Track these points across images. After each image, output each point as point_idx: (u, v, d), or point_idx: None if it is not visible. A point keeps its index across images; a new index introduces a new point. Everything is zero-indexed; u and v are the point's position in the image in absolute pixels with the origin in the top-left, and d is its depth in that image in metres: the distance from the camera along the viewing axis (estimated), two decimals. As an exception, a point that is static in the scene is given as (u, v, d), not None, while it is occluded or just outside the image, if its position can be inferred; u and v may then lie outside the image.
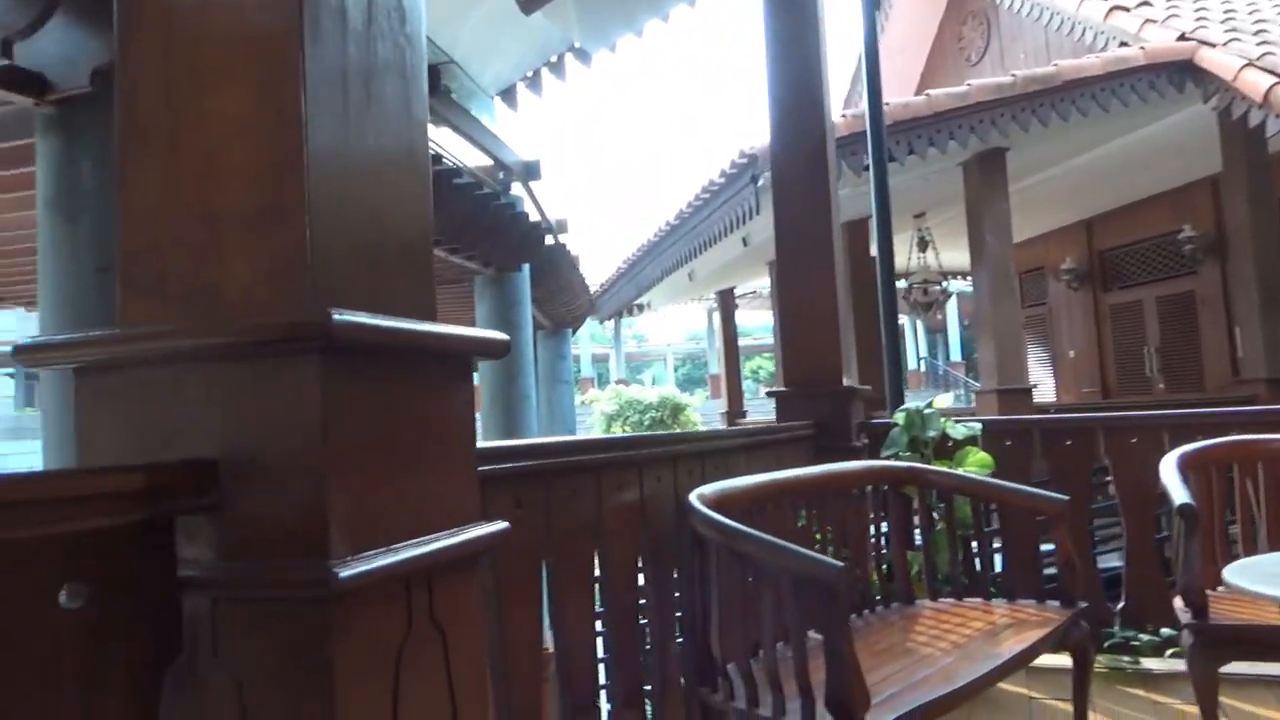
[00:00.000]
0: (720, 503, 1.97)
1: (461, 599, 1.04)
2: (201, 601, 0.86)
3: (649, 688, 1.96)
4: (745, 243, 8.81)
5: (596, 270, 11.91)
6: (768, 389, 3.90)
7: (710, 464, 2.34)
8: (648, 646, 2.00)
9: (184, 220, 0.92)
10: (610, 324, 26.60)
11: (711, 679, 1.91)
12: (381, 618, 0.91)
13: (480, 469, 1.10)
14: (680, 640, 2.10)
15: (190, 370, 0.88)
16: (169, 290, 0.91)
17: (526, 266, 5.59)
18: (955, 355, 30.12)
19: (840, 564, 1.64)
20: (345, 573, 0.82)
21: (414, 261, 1.04)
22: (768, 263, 10.31)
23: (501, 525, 1.11)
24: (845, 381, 3.62)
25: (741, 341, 15.47)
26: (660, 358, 36.52)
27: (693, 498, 1.95)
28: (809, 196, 3.66)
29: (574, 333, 11.55)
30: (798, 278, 3.68)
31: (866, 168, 6.39)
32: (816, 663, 1.72)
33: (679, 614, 2.10)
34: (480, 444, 1.15)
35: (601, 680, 1.83)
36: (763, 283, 15.10)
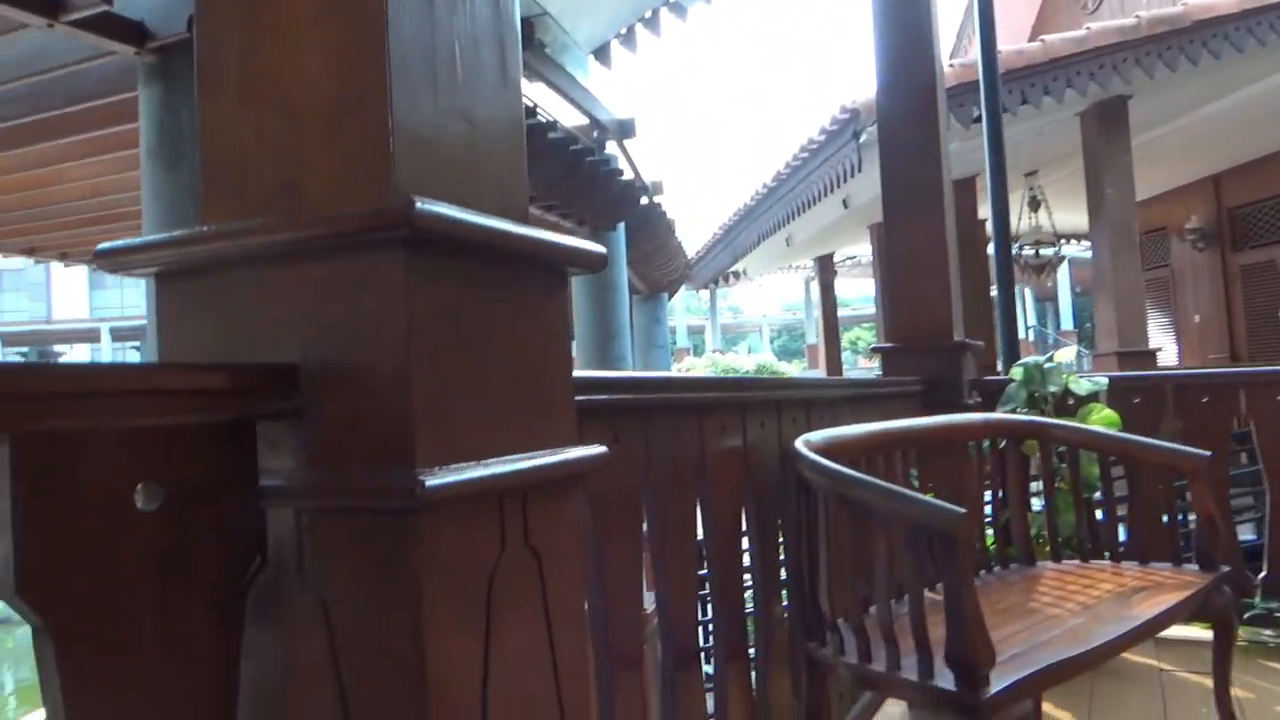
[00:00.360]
0: (828, 450, 1.87)
1: (558, 525, 0.97)
2: (285, 514, 0.81)
3: (752, 640, 1.88)
4: (845, 205, 8.55)
5: (691, 237, 11.76)
6: (873, 346, 3.73)
7: (815, 413, 2.22)
8: (751, 599, 1.91)
9: (263, 115, 0.87)
10: (705, 294, 26.45)
11: (819, 633, 1.82)
12: (473, 537, 0.84)
13: (576, 399, 1.03)
14: (785, 593, 2.00)
15: (271, 271, 0.83)
16: (249, 189, 0.86)
17: (622, 226, 5.52)
18: (1066, 324, 28.90)
19: (962, 510, 1.52)
20: (432, 482, 0.76)
21: (504, 160, 0.96)
22: (869, 226, 9.99)
23: (600, 449, 1.03)
24: (956, 336, 3.44)
25: (840, 313, 15.11)
26: (756, 329, 36.16)
27: (798, 444, 1.85)
28: (918, 142, 3.47)
29: (669, 298, 11.46)
30: (906, 228, 3.50)
31: (976, 119, 6.09)
32: (934, 618, 1.60)
33: (783, 565, 2.01)
34: (576, 373, 1.07)
35: (703, 632, 1.75)
36: (863, 249, 14.71)
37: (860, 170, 6.52)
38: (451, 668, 0.80)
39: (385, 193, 0.80)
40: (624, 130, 5.79)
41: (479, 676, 0.84)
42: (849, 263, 17.70)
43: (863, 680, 1.75)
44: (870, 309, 26.23)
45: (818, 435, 1.92)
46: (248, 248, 0.83)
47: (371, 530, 0.78)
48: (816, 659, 1.81)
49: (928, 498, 1.55)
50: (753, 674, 1.85)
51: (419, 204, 0.77)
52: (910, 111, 3.48)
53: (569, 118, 5.22)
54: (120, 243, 0.87)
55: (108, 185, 3.70)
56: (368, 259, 0.80)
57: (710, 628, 1.80)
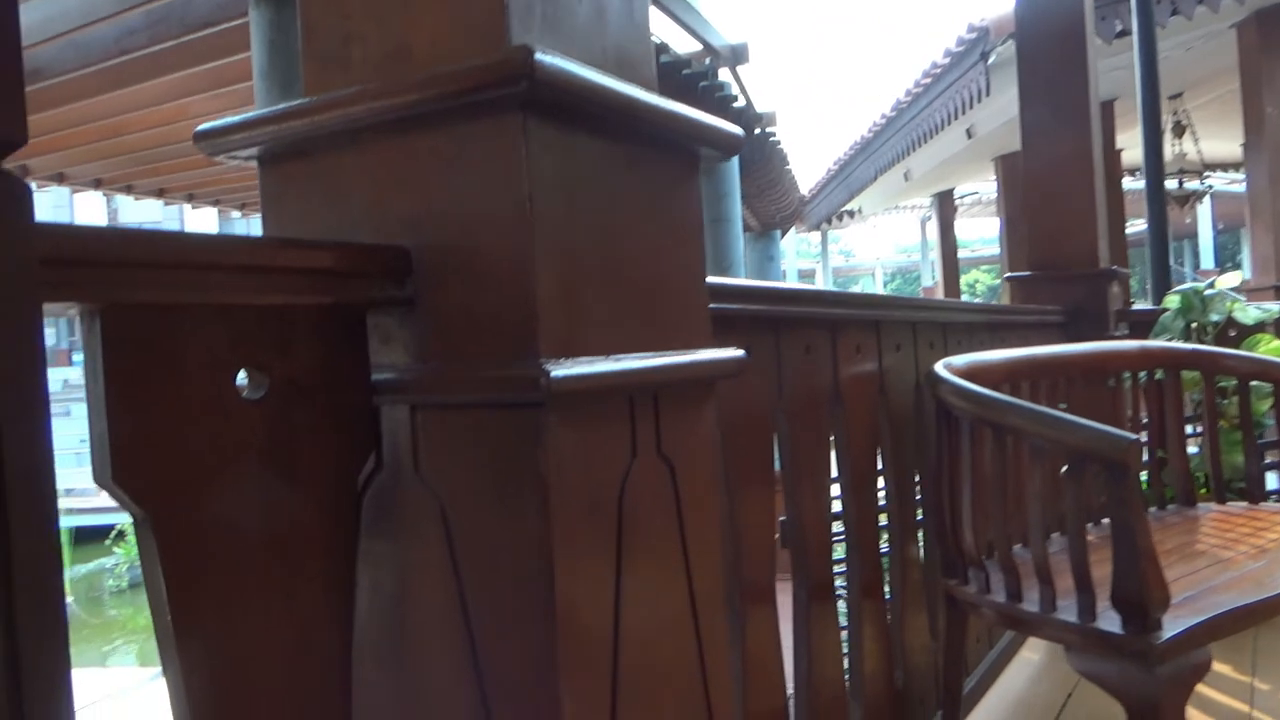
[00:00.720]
0: (970, 375, 1.71)
1: (692, 434, 0.87)
2: (399, 411, 0.74)
3: (888, 576, 1.76)
4: (969, 134, 8.10)
5: (803, 175, 11.41)
6: (1007, 275, 3.50)
7: (952, 338, 2.06)
8: (886, 532, 1.79)
9: (367, -27, 0.78)
10: (816, 237, 25.86)
11: (960, 571, 1.69)
12: (602, 440, 0.76)
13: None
14: (922, 529, 1.88)
15: (379, 144, 0.75)
16: (354, 56, 0.78)
17: (735, 157, 5.34)
18: (1207, 263, 27.07)
19: (1133, 436, 1.36)
20: (558, 372, 0.67)
21: (629, 30, 0.85)
22: (994, 159, 9.47)
23: (737, 353, 0.93)
24: (1102, 263, 3.18)
25: (958, 254, 14.46)
26: (868, 272, 35.20)
27: (938, 368, 1.70)
28: (1062, 51, 3.18)
29: (782, 235, 11.18)
30: (1047, 147, 3.23)
31: (1119, 34, 5.62)
32: (1096, 556, 1.46)
33: (919, 499, 1.88)
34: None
35: (837, 567, 1.64)
36: (985, 186, 14.02)
37: (988, 94, 6.13)
38: (580, 585, 0.72)
39: (501, 50, 0.70)
40: (737, 56, 5.56)
41: (610, 599, 0.76)
42: (969, 199, 16.93)
43: (1011, 621, 1.62)
44: (990, 250, 25.12)
45: (960, 359, 1.76)
46: (352, 118, 0.74)
47: (493, 428, 0.70)
48: (958, 598, 1.68)
49: (1092, 423, 1.39)
50: (888, 614, 1.73)
51: (539, 54, 0.67)
52: (1054, 18, 3.19)
53: (681, 43, 5.04)
54: (219, 122, 0.80)
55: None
56: (482, 125, 0.71)
57: (844, 565, 1.68)
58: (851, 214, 13.25)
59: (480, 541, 0.72)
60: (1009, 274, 3.45)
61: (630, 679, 0.77)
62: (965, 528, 1.63)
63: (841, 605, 1.74)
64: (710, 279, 0.95)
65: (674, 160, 0.88)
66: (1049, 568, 1.48)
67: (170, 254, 0.59)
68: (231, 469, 0.63)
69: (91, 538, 9.43)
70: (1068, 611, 1.45)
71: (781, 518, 1.45)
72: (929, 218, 19.77)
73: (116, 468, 0.57)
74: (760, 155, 6.32)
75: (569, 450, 0.71)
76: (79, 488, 11.44)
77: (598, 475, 0.75)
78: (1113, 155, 7.31)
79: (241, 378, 0.64)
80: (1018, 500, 1.65)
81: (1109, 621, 1.39)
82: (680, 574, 0.86)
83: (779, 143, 7.01)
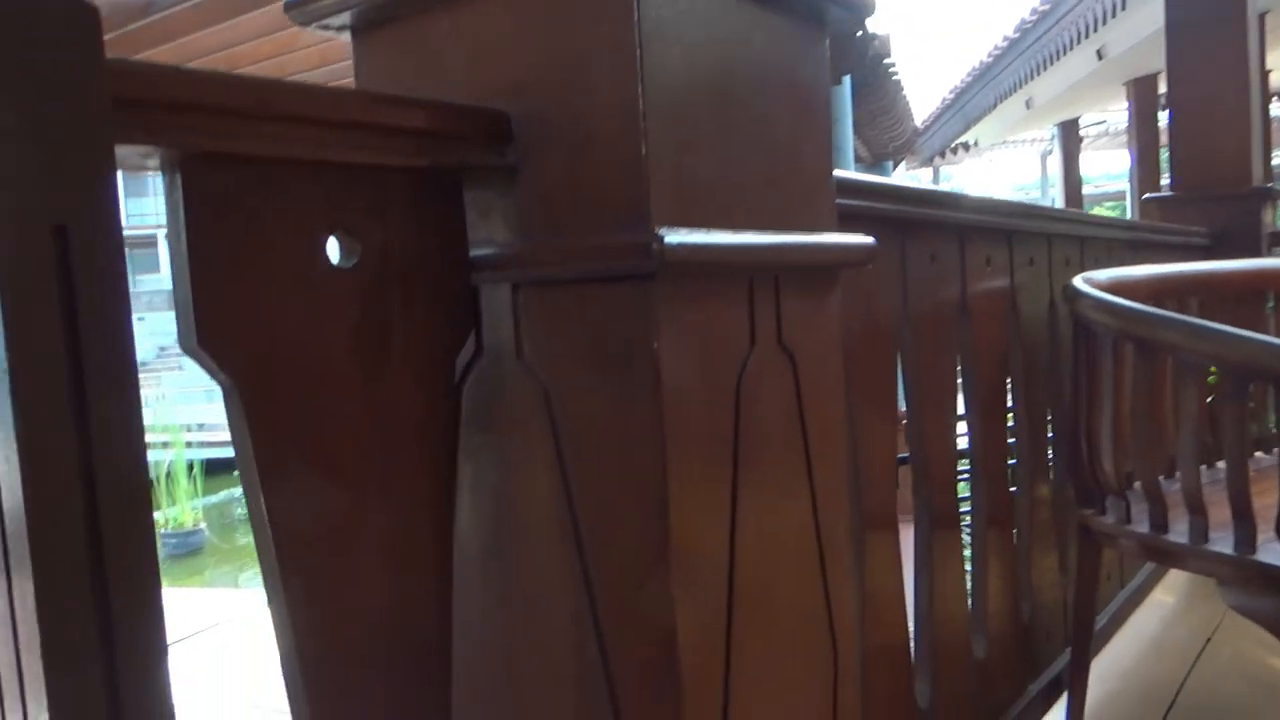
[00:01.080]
0: (1112, 291, 1.57)
1: (816, 325, 0.80)
2: (500, 292, 0.68)
3: (1016, 504, 1.65)
4: (1099, 55, 7.55)
5: (917, 108, 10.90)
6: (1145, 195, 3.24)
7: (1090, 255, 1.90)
8: (1014, 459, 1.68)
9: None
10: (927, 174, 24.93)
11: (1097, 500, 1.56)
12: (718, 321, 0.69)
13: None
14: (1052, 457, 1.75)
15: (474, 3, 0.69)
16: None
17: (847, 81, 5.09)
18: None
19: (1312, 350, 1.21)
20: (672, 239, 0.60)
21: None
22: (1125, 83, 8.83)
23: (866, 239, 0.84)
24: (1255, 181, 2.90)
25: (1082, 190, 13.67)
26: (982, 212, 33.77)
27: (1078, 281, 1.56)
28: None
29: (893, 168, 10.76)
30: (1196, 51, 2.95)
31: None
32: (1258, 486, 1.32)
33: (1050, 424, 1.75)
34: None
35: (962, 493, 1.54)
36: (1113, 116, 13.16)
37: (1123, 9, 5.68)
38: (694, 483, 0.66)
39: (607, -122, 0.62)
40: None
41: (726, 501, 0.70)
42: (1094, 130, 15.96)
43: (1155, 554, 1.49)
44: (1116, 186, 23.71)
45: (1102, 273, 1.61)
46: (446, -30, 0.68)
47: (601, 305, 0.64)
48: (1093, 529, 1.56)
49: (1262, 336, 1.25)
50: (1015, 546, 1.63)
51: (651, -125, 0.59)
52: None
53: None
54: (307, -11, 0.75)
55: (334, 51, 3.78)
56: (587, -33, 0.63)
57: (968, 495, 1.58)
58: (966, 146, 12.65)
59: (587, 432, 0.66)
60: (1148, 194, 3.19)
61: (747, 591, 0.71)
62: (1104, 455, 1.51)
63: (965, 538, 1.64)
64: (835, 172, 0.87)
65: (799, 21, 0.79)
66: (1201, 496, 1.35)
67: (253, 100, 0.54)
68: (323, 341, 0.59)
69: (222, 469, 9.97)
70: (1222, 543, 1.32)
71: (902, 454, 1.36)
72: (1050, 151, 18.73)
73: (201, 332, 0.53)
74: (873, 78, 6.03)
75: (683, 329, 0.64)
76: (210, 423, 12.08)
77: (714, 361, 0.68)
78: (1262, 75, 6.71)
79: (333, 245, 0.60)
80: (1162, 426, 1.52)
81: (1271, 553, 1.26)
82: (802, 479, 0.79)
83: (893, 65, 6.68)
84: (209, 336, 0.53)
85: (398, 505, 0.64)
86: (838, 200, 0.89)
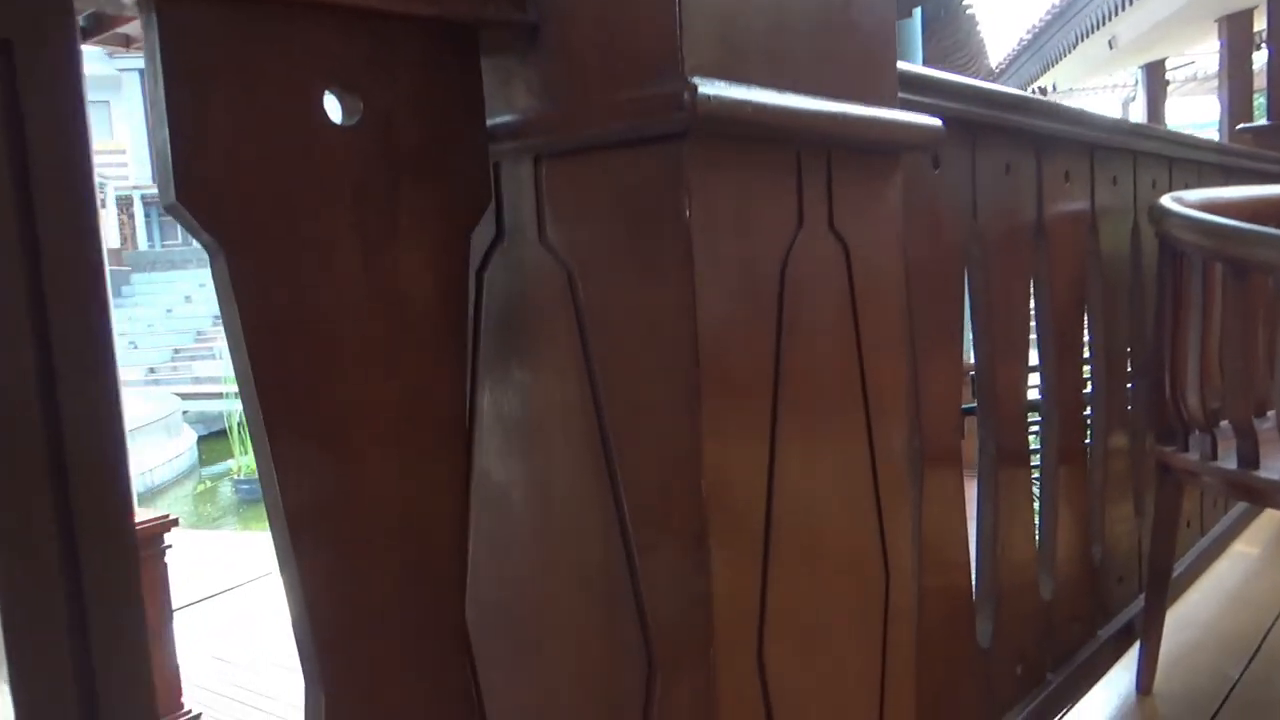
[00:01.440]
0: (1204, 210, 1.45)
1: (873, 211, 0.72)
2: (521, 167, 0.62)
3: (1090, 441, 1.56)
4: (1190, -11, 7.13)
5: (992, 49, 10.46)
6: (1240, 126, 3.04)
7: (1178, 177, 1.77)
8: (1090, 391, 1.58)
9: None
10: (1001, 124, 24.05)
11: (1180, 437, 1.46)
12: (761, 192, 0.61)
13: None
14: (1132, 388, 1.65)
15: None
16: None
17: (918, 14, 4.87)
18: None
19: None
20: (706, 89, 0.53)
21: None
22: (1218, 19, 8.33)
23: (933, 120, 0.76)
24: (1363, 109, 2.69)
25: (1167, 132, 12.99)
26: (1058, 163, 32.59)
27: (1166, 200, 1.44)
28: None
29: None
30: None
31: None
32: (1362, 416, 1.21)
33: (1129, 357, 1.64)
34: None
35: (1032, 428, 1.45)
36: (1202, 58, 12.49)
37: (1219, -65, 5.31)
38: (731, 366, 0.59)
39: None
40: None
41: (768, 400, 0.63)
42: (1182, 74, 15.18)
43: (1244, 491, 1.39)
44: (1206, 134, 22.62)
45: (1192, 194, 1.49)
46: None
47: (628, 173, 0.57)
48: (1174, 467, 1.46)
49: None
50: (1087, 483, 1.54)
51: None
52: None
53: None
54: None
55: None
56: None
57: (1038, 429, 1.49)
58: (1044, 91, 12.13)
59: (613, 318, 0.60)
60: (1242, 125, 2.99)
61: (788, 506, 0.64)
62: (1190, 387, 1.40)
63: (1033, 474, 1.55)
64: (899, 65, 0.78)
65: None
66: (1299, 430, 1.24)
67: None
68: (319, 207, 0.54)
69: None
70: (1321, 481, 1.22)
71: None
72: (1132, 98, 17.91)
73: (180, 185, 0.48)
74: (946, 11, 5.77)
75: (719, 199, 0.57)
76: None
77: (755, 240, 0.61)
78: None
79: (330, 98, 0.54)
80: (1254, 358, 1.40)
81: (1377, 492, 1.16)
82: (855, 385, 0.72)
83: (966, 1, 6.38)
84: (189, 191, 0.48)
85: (408, 383, 0.59)
86: (907, 95, 0.80)
